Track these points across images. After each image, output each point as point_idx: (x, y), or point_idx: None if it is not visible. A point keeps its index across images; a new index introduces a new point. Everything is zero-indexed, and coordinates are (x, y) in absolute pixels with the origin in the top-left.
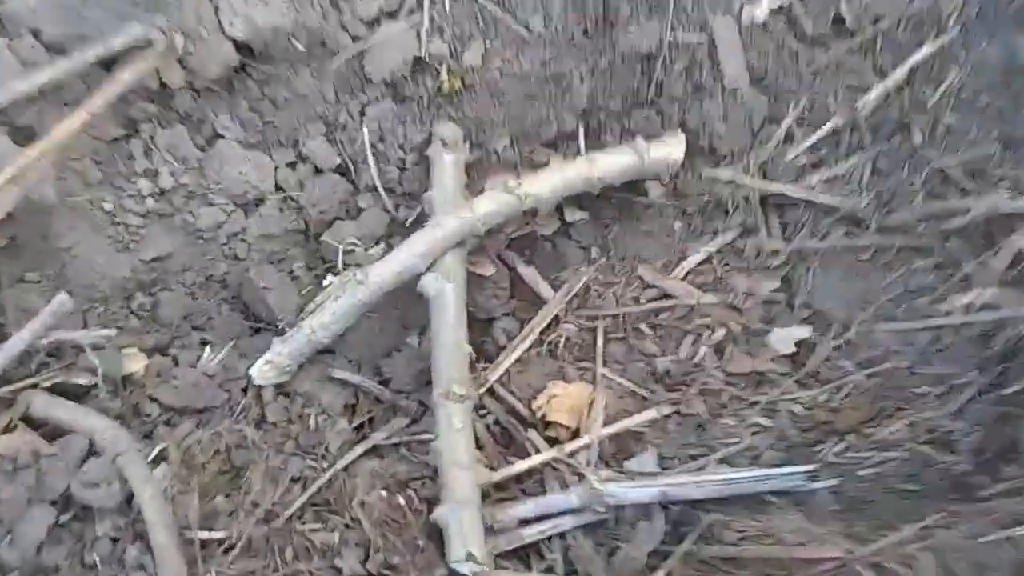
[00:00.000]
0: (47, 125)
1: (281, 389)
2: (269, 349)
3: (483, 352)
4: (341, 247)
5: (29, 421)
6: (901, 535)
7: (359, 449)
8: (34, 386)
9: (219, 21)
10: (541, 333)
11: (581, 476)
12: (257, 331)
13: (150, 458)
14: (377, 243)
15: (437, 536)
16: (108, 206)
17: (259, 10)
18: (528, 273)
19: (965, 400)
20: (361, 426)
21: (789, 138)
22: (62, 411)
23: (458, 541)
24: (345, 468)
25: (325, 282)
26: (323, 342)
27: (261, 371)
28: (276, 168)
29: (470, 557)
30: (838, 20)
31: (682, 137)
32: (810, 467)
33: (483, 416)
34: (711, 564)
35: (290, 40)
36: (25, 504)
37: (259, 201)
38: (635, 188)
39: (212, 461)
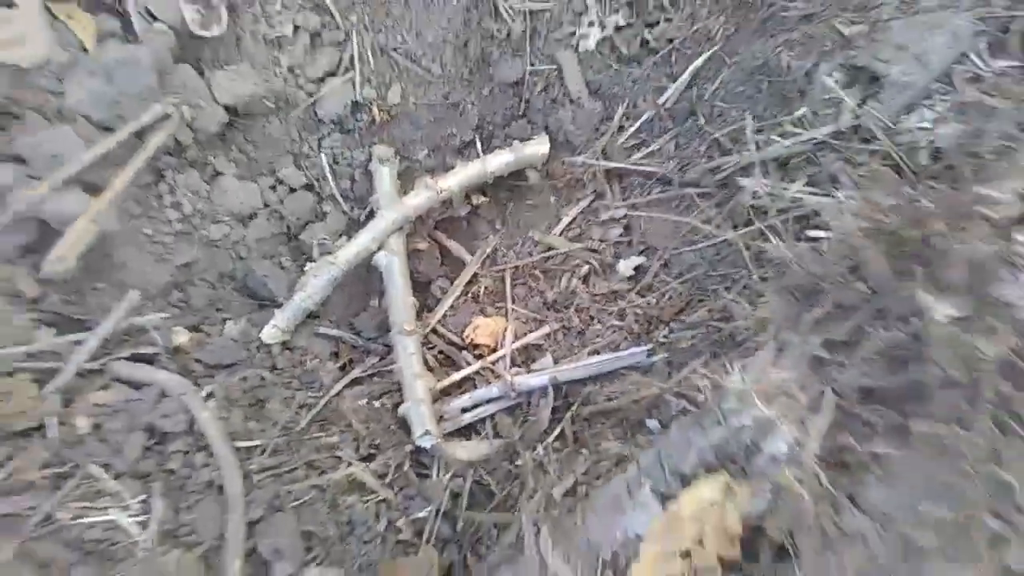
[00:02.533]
0: (106, 180)
1: (285, 345)
2: (273, 318)
3: (425, 305)
4: (315, 242)
5: (118, 380)
6: (690, 368)
7: (344, 381)
8: (117, 358)
9: (212, 94)
10: (465, 286)
11: (499, 376)
12: (262, 307)
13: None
14: (340, 236)
15: (404, 426)
16: (148, 231)
17: (239, 83)
18: (452, 245)
19: (740, 288)
20: (343, 366)
21: (620, 129)
22: (139, 372)
23: (418, 424)
24: (336, 395)
25: (306, 268)
26: (311, 309)
27: (270, 333)
28: (262, 191)
29: (427, 433)
30: (645, 43)
31: (546, 137)
32: (648, 347)
33: (430, 349)
34: (588, 419)
35: (262, 100)
36: (126, 432)
37: (252, 216)
38: (519, 176)
39: (243, 397)
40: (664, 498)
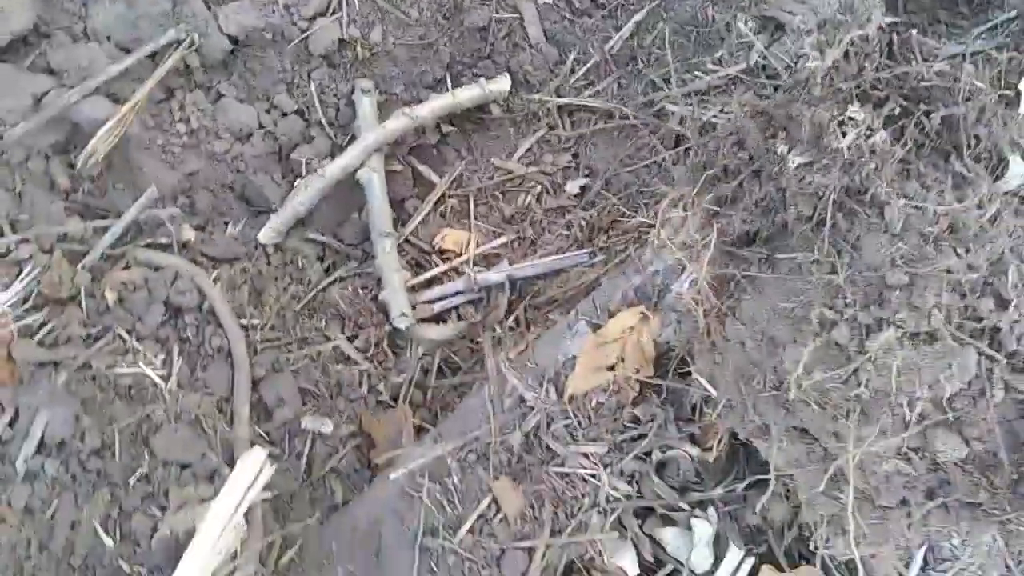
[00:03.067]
0: (126, 92)
1: (278, 246)
2: (269, 221)
3: (400, 219)
4: (303, 161)
5: (138, 263)
6: (620, 258)
7: (329, 279)
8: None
9: (219, 24)
10: (434, 204)
11: (464, 273)
12: (258, 214)
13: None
14: (325, 158)
15: (383, 311)
16: (160, 141)
17: (243, 16)
18: (423, 168)
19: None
20: (328, 268)
21: (571, 71)
22: (156, 257)
23: (396, 308)
24: (322, 290)
25: (296, 183)
26: (301, 215)
27: (266, 234)
28: (258, 114)
29: (403, 315)
30: None
31: (508, 76)
32: (588, 251)
33: (404, 255)
34: (538, 307)
35: (262, 33)
36: (146, 305)
37: (249, 135)
38: (483, 110)
39: (243, 285)
40: (595, 328)
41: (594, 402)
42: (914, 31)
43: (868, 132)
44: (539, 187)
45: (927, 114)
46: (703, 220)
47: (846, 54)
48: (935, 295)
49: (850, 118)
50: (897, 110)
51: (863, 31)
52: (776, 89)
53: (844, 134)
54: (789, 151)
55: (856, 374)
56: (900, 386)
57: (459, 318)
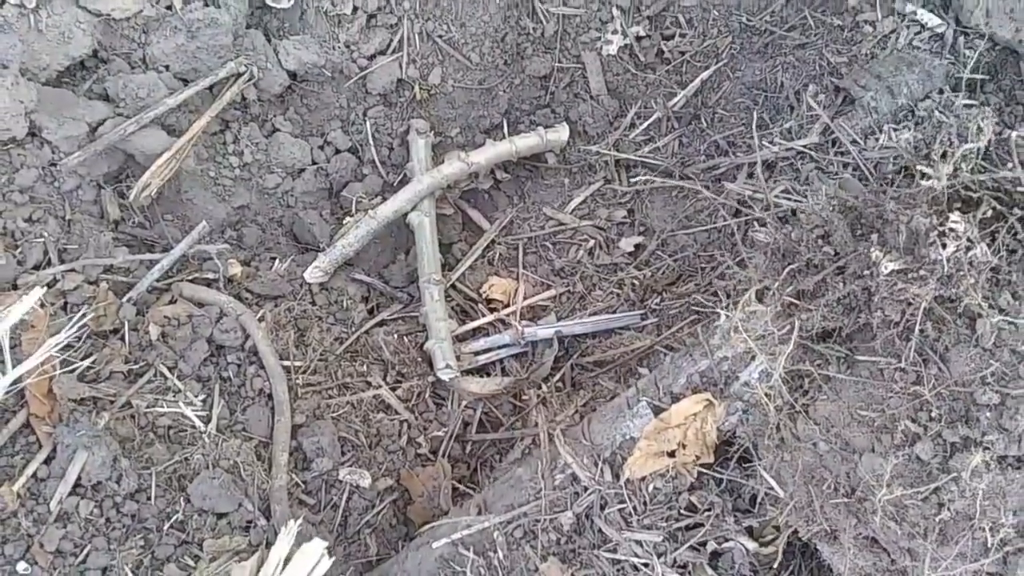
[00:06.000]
0: (182, 124)
1: (323, 286)
2: (316, 260)
3: (447, 264)
4: (354, 199)
5: (183, 299)
6: (677, 327)
7: (373, 321)
8: (182, 279)
9: (278, 59)
10: (483, 251)
11: (510, 326)
12: (305, 251)
13: None
14: (375, 197)
15: (427, 361)
16: (212, 173)
17: (303, 51)
18: (474, 213)
19: (723, 269)
20: (372, 309)
21: (631, 126)
22: (202, 292)
23: (441, 359)
24: (365, 332)
25: (344, 221)
26: (349, 255)
27: (312, 274)
28: (311, 149)
29: (448, 367)
30: (660, 53)
31: (566, 126)
32: (640, 312)
33: (449, 301)
34: (585, 367)
35: (320, 69)
36: (189, 342)
37: (301, 171)
38: (539, 158)
39: (287, 325)
40: (657, 410)
41: (651, 487)
42: (1014, 133)
43: (968, 244)
44: (592, 241)
45: (1021, 220)
46: (780, 311)
47: (943, 155)
48: None
49: (950, 229)
50: (989, 213)
51: (976, 144)
52: (845, 167)
53: (944, 245)
54: (883, 256)
55: (937, 493)
56: (984, 510)
57: (503, 372)
